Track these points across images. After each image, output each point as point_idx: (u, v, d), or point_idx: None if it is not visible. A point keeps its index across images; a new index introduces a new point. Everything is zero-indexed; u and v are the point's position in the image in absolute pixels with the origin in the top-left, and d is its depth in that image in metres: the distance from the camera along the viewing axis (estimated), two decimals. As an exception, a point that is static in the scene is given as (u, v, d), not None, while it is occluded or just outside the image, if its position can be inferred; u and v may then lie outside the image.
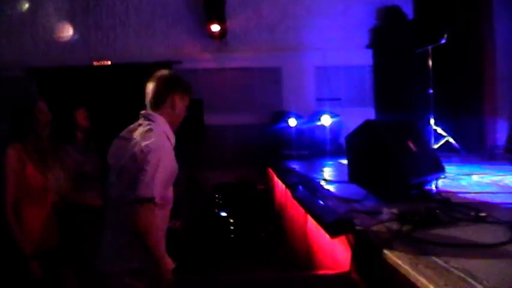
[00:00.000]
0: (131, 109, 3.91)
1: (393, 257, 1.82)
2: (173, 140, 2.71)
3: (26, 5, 8.32)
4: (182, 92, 2.76)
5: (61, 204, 3.87)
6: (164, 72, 2.86)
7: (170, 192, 2.70)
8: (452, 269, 1.65)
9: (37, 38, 8.31)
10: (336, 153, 6.63)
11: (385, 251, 1.89)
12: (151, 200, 2.42)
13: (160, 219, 2.60)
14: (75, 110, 4.43)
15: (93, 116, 4.61)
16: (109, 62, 8.04)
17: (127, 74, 7.72)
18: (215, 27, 7.73)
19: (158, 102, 2.72)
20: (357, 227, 2.22)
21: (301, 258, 3.83)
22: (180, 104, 2.75)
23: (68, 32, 8.29)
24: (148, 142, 2.52)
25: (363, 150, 3.12)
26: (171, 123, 2.73)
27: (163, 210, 2.64)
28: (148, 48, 8.15)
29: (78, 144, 4.40)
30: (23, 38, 8.29)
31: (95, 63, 8.03)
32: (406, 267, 1.69)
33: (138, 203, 2.38)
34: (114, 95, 7.53)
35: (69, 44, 8.27)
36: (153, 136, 2.57)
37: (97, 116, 4.67)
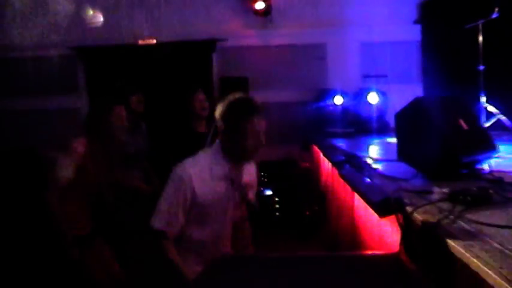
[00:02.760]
0: (176, 88, 3.92)
1: (445, 238, 1.76)
2: (225, 172, 2.66)
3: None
4: (229, 121, 2.64)
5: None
6: (232, 98, 2.69)
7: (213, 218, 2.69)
8: (507, 251, 1.59)
9: (82, 17, 8.39)
10: (382, 131, 6.53)
11: (437, 232, 1.84)
12: (160, 232, 2.53)
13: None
14: (130, 94, 4.45)
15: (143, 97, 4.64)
16: (154, 41, 8.07)
17: (172, 52, 7.75)
18: (259, 4, 7.65)
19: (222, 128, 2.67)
20: (407, 207, 2.16)
21: (347, 238, 3.79)
22: (238, 132, 2.61)
23: (112, 11, 8.34)
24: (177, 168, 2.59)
25: (412, 128, 3.05)
26: (231, 152, 2.66)
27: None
28: (192, 25, 8.13)
29: (125, 125, 4.44)
30: (68, 17, 8.38)
31: (140, 42, 8.07)
32: (460, 248, 1.64)
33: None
34: (160, 73, 7.58)
35: (114, 23, 8.32)
36: (184, 165, 2.60)
37: (145, 96, 4.70)
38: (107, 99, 3.88)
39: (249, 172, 2.92)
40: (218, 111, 2.67)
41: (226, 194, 2.69)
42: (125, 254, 4.36)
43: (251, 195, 2.87)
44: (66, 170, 3.42)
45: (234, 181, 2.71)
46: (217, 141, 2.72)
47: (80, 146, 3.48)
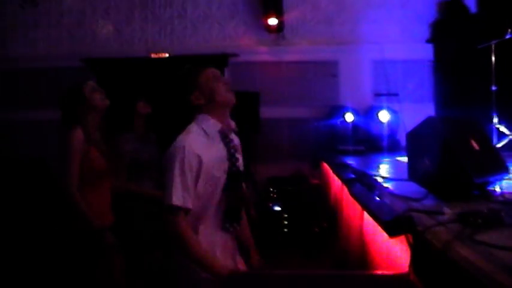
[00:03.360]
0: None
1: (456, 259, 1.74)
2: (218, 126, 2.74)
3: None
4: (194, 85, 2.78)
5: (116, 190, 3.94)
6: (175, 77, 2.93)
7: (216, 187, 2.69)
8: (519, 275, 1.57)
9: (96, 30, 8.47)
10: (392, 150, 6.52)
11: (447, 253, 1.82)
12: (171, 207, 2.48)
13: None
14: (136, 100, 4.49)
15: (151, 107, 4.67)
16: (166, 54, 8.12)
17: (184, 66, 7.78)
18: (272, 21, 7.71)
19: (189, 111, 2.81)
20: (417, 227, 2.14)
21: (355, 256, 3.76)
22: (204, 89, 2.76)
23: (125, 25, 8.42)
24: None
25: (424, 147, 3.03)
26: (214, 110, 2.75)
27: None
28: (204, 40, 8.20)
29: (136, 132, 4.46)
30: (82, 30, 8.47)
31: (152, 55, 8.12)
32: (471, 270, 1.62)
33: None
34: (171, 87, 7.59)
35: (127, 36, 8.39)
36: (178, 138, 2.64)
37: (154, 108, 4.72)
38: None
39: (235, 138, 2.98)
40: (176, 98, 2.91)
41: (223, 151, 2.74)
42: (141, 265, 4.37)
43: (241, 163, 2.87)
44: (73, 160, 3.44)
45: (227, 135, 2.80)
46: (197, 116, 2.78)
47: (76, 133, 3.48)
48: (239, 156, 2.86)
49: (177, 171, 2.53)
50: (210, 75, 2.77)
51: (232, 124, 2.88)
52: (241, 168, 2.86)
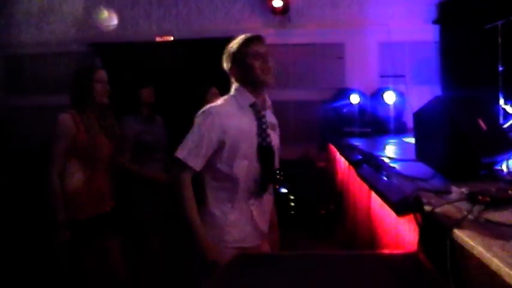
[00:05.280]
0: (194, 84, 3.91)
1: (465, 238, 1.75)
2: (251, 100, 2.77)
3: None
4: (233, 57, 2.80)
5: (117, 171, 3.93)
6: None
7: (244, 159, 2.72)
8: (528, 251, 1.58)
9: (98, 16, 8.45)
10: (399, 132, 6.52)
11: (456, 232, 1.83)
12: (179, 160, 2.56)
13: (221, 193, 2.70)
14: (141, 88, 4.48)
15: (156, 92, 4.66)
16: (171, 38, 8.10)
17: (189, 49, 7.77)
18: (278, 3, 7.68)
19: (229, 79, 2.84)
20: (425, 206, 2.15)
21: (363, 237, 3.78)
22: (241, 64, 2.77)
23: (130, 8, 8.40)
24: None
25: (431, 127, 3.04)
26: (250, 85, 2.77)
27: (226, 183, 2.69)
28: (210, 23, 8.17)
29: (142, 116, 4.46)
30: (87, 14, 8.46)
31: (157, 38, 8.11)
32: (480, 249, 1.62)
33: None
34: (177, 70, 7.59)
35: (132, 20, 8.38)
36: (209, 105, 2.72)
37: (160, 92, 4.72)
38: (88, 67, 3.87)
39: (271, 116, 3.00)
40: (223, 60, 2.87)
41: (253, 125, 2.75)
42: (142, 250, 4.38)
43: (275, 139, 2.89)
44: (56, 146, 3.43)
45: (259, 110, 2.80)
46: (232, 87, 2.82)
47: (64, 117, 3.46)
48: (272, 132, 2.87)
49: (194, 131, 2.61)
50: (250, 52, 2.75)
51: (269, 101, 2.91)
52: (274, 144, 2.87)
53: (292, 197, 6.91)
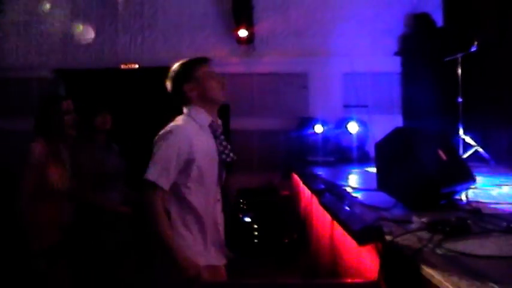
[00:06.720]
0: (158, 112, 3.90)
1: (425, 267, 1.77)
2: (209, 120, 2.80)
3: (56, 9, 8.43)
4: (189, 76, 2.82)
5: (77, 200, 3.88)
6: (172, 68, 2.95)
7: (208, 178, 2.74)
8: (486, 280, 1.61)
9: (65, 40, 8.39)
10: (362, 161, 6.58)
11: (416, 261, 1.85)
12: (151, 182, 2.56)
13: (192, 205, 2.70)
14: (95, 113, 4.42)
15: (120, 119, 4.61)
16: (136, 66, 8.08)
17: (154, 77, 7.75)
18: (243, 32, 7.74)
19: (180, 100, 2.85)
20: (386, 236, 2.17)
21: (326, 266, 3.79)
22: (199, 83, 2.81)
23: (95, 35, 8.37)
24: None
25: (392, 157, 3.08)
26: (205, 105, 2.81)
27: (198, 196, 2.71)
28: (175, 52, 8.17)
29: (98, 144, 4.40)
30: (52, 40, 8.39)
31: (122, 66, 8.08)
32: (439, 278, 1.65)
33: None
34: (141, 98, 7.56)
35: (97, 47, 8.34)
36: (170, 125, 2.73)
37: (124, 119, 4.68)
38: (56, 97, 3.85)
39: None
40: (170, 85, 2.91)
41: (214, 146, 2.81)
42: (103, 276, 4.30)
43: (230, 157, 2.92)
44: (28, 175, 3.39)
45: (216, 129, 2.84)
46: (186, 108, 2.84)
47: (37, 147, 3.43)
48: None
49: (161, 152, 2.62)
50: (207, 72, 2.82)
51: (219, 121, 2.93)
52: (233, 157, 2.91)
53: (255, 226, 6.89)
